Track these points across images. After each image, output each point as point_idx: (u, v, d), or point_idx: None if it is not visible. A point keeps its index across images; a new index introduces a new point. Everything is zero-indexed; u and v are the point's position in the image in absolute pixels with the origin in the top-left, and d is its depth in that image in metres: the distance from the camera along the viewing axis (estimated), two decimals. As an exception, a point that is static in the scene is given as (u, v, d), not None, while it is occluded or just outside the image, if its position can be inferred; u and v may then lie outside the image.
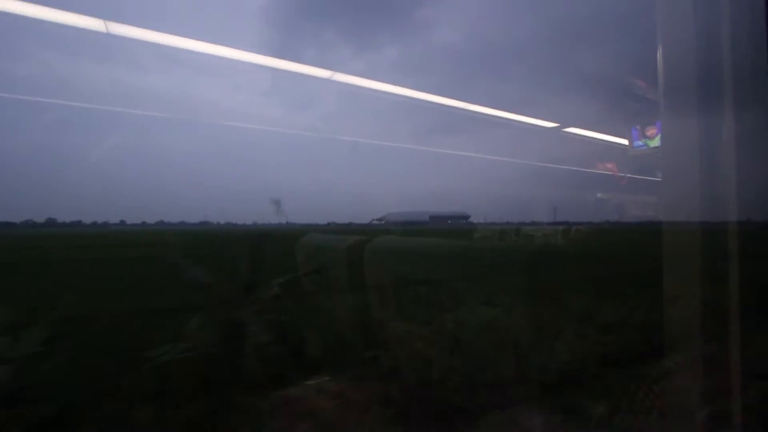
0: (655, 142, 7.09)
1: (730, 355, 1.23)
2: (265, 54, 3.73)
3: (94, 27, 2.89)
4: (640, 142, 7.29)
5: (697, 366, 1.31)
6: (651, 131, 7.09)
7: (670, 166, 1.63)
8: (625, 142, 8.84)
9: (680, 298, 1.44)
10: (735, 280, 1.25)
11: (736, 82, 1.28)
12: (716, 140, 1.35)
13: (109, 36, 2.97)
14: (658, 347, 1.63)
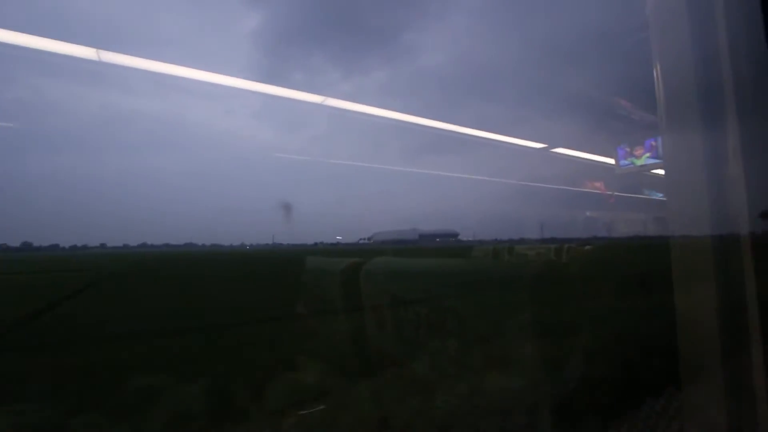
0: (642, 161, 7.29)
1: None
2: (255, 79, 3.74)
3: (87, 55, 2.89)
4: (626, 161, 7.48)
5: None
6: (638, 151, 7.30)
7: (673, 181, 1.63)
8: (612, 161, 9.09)
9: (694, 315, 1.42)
10: (753, 295, 1.23)
11: (738, 91, 1.30)
12: (722, 152, 1.36)
13: (101, 63, 2.96)
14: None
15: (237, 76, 3.48)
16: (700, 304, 1.32)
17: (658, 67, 1.76)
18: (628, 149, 7.47)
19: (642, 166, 7.42)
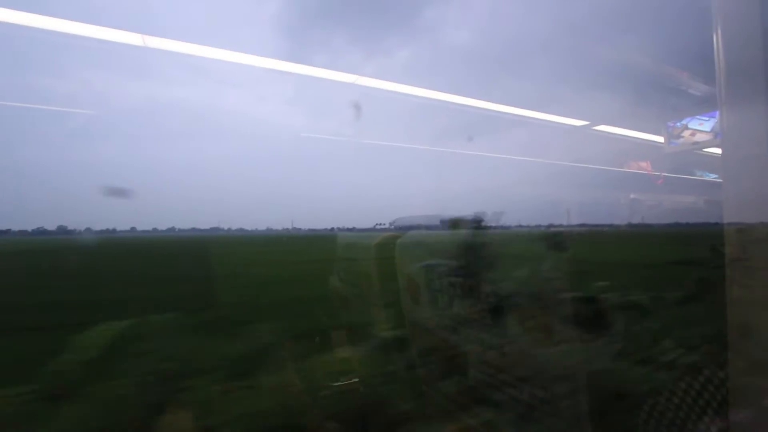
0: (695, 138, 6.86)
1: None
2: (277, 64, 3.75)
3: (133, 41, 3.00)
4: (677, 139, 7.06)
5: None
6: (691, 126, 6.86)
7: (732, 160, 1.53)
8: (661, 139, 8.60)
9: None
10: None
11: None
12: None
13: (146, 50, 3.07)
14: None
15: (260, 61, 3.50)
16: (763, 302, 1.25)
17: (719, 32, 1.63)
18: (679, 126, 7.03)
19: (695, 143, 6.99)
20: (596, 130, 8.09)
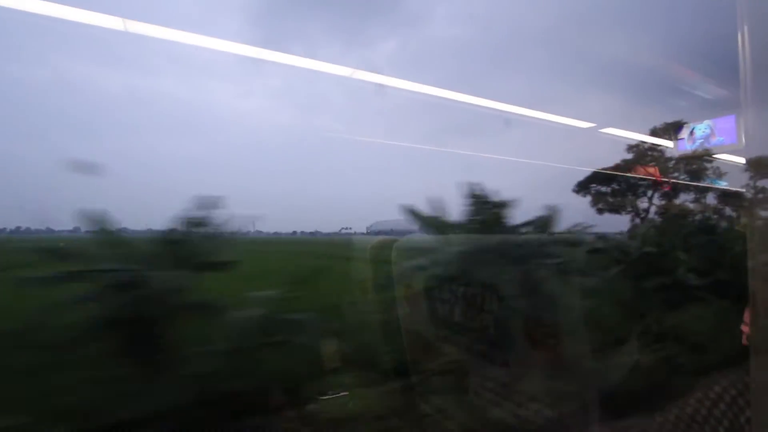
0: (707, 143, 6.83)
1: None
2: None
3: (113, 26, 2.95)
4: (688, 144, 7.04)
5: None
6: (703, 131, 6.83)
7: (760, 168, 1.46)
8: (669, 143, 8.59)
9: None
10: None
11: None
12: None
13: (126, 34, 3.01)
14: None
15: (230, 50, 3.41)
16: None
17: (745, 30, 1.56)
18: (690, 129, 7.01)
19: (706, 149, 6.98)
20: (603, 133, 8.06)
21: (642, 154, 12.63)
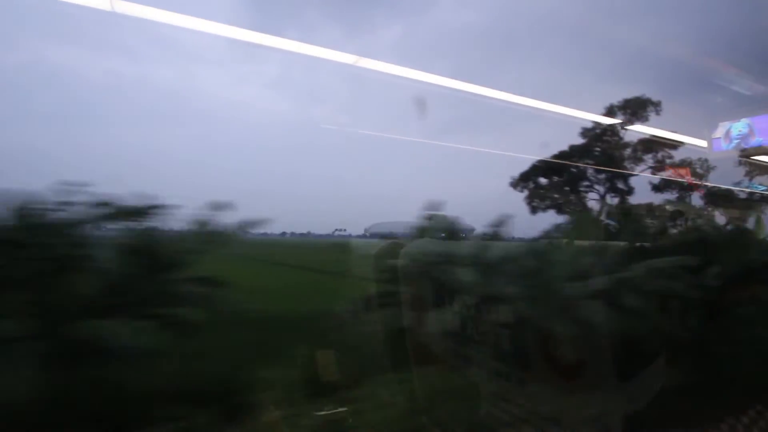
0: (748, 143, 6.32)
1: None
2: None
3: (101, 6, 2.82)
4: (725, 144, 6.51)
5: None
6: (741, 129, 6.32)
7: None
8: (704, 143, 8.02)
9: None
10: None
11: None
12: None
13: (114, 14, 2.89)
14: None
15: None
16: None
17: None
18: (727, 128, 6.48)
19: (745, 150, 6.46)
20: (629, 130, 7.58)
21: (674, 153, 11.91)
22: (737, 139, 6.73)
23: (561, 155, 12.74)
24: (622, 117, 11.42)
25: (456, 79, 3.68)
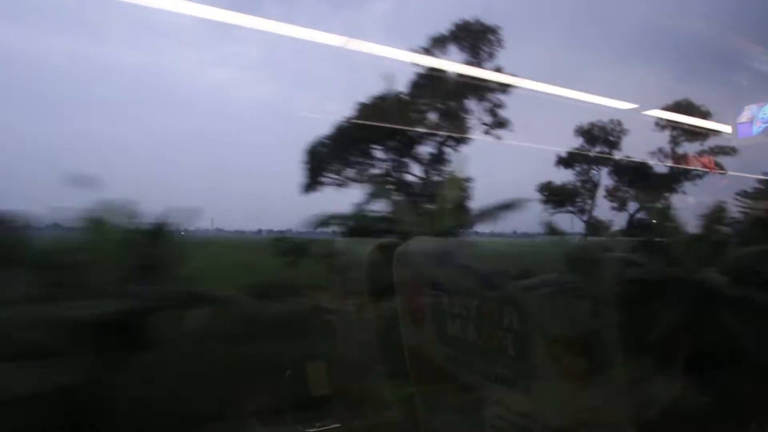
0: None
1: None
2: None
3: None
4: (752, 129, 6.11)
5: None
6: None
7: None
8: (728, 128, 7.56)
9: None
10: None
11: None
12: None
13: None
14: None
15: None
16: None
17: None
18: (754, 113, 6.07)
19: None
20: (646, 116, 7.11)
21: (693, 140, 11.01)
22: (766, 123, 6.35)
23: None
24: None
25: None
